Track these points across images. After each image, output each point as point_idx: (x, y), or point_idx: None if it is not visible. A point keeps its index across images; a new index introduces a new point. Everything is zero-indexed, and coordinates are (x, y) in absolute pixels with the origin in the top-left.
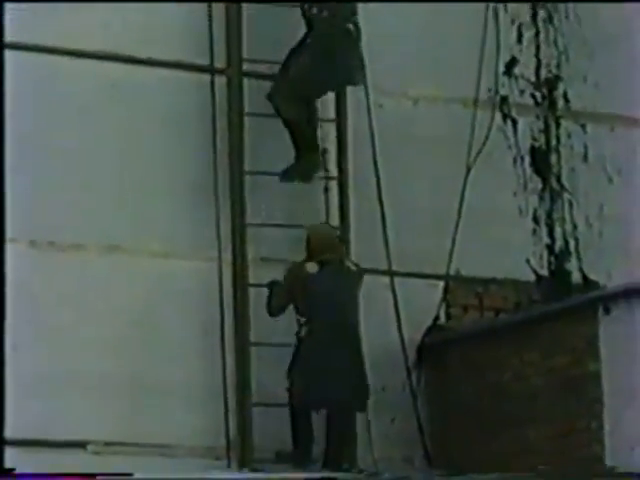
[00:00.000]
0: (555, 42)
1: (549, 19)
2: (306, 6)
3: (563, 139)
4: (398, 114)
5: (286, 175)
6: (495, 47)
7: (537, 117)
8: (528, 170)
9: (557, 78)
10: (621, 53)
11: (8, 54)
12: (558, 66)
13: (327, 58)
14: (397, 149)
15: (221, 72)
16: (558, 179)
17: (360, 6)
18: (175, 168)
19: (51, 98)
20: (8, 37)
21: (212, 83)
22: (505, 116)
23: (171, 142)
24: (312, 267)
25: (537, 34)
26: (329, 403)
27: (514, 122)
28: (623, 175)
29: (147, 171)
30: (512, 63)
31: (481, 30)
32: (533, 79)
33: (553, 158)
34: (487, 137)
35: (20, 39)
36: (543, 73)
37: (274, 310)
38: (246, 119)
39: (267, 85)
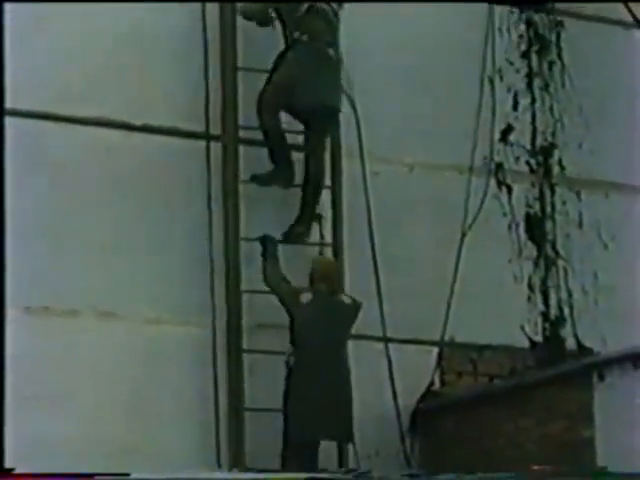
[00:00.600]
0: (551, 110)
1: (545, 87)
2: (288, 31)
3: (558, 206)
4: (394, 181)
5: (262, 179)
6: (491, 115)
7: (532, 184)
8: (523, 237)
9: (552, 145)
10: (616, 121)
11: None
12: (553, 134)
13: (309, 76)
14: (392, 216)
15: (217, 139)
16: (553, 246)
17: (357, 75)
18: (170, 234)
19: (47, 164)
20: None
21: (207, 150)
22: (500, 183)
23: (166, 208)
24: (305, 296)
25: (533, 102)
26: (320, 435)
27: (509, 189)
28: (618, 241)
29: (142, 237)
30: (508, 130)
31: (477, 98)
32: (528, 146)
33: (548, 225)
34: (482, 204)
35: (16, 105)
36: (539, 140)
37: (271, 283)
38: (241, 186)
39: (262, 152)
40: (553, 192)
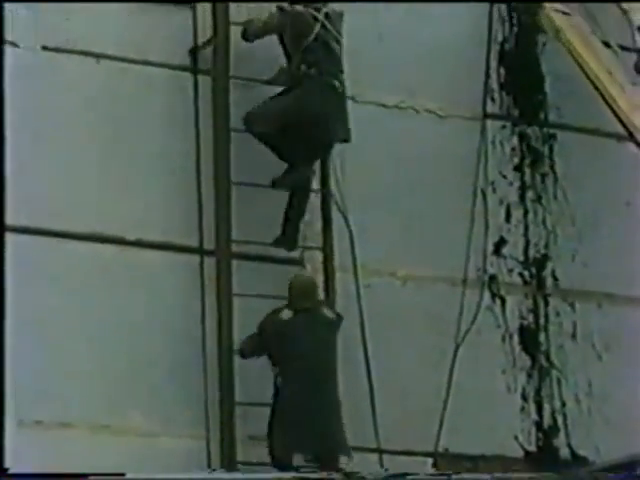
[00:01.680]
0: (544, 222)
1: (538, 199)
2: (294, 65)
3: (552, 317)
4: (386, 294)
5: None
6: (484, 227)
7: (526, 296)
8: (517, 348)
9: (545, 257)
10: (609, 232)
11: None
12: (546, 245)
13: (313, 106)
14: (385, 328)
15: (210, 253)
16: (547, 357)
17: (350, 188)
18: (164, 347)
19: (44, 278)
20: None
21: (201, 264)
22: (494, 295)
23: (160, 323)
24: (286, 314)
25: (526, 214)
26: (310, 454)
27: (503, 301)
28: (612, 352)
29: (136, 348)
30: (501, 243)
31: (469, 210)
32: (522, 258)
33: (542, 336)
34: (475, 316)
35: (15, 222)
36: (532, 252)
37: (246, 351)
38: (235, 299)
39: (256, 266)
40: (547, 303)
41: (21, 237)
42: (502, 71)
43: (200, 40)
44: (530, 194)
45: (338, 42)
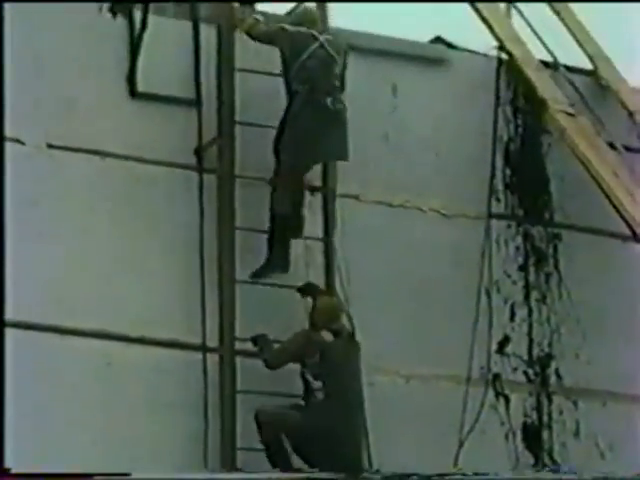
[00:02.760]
0: (548, 321)
1: (542, 299)
2: (287, 82)
3: (555, 415)
4: (390, 392)
5: (258, 274)
6: (488, 326)
7: (529, 394)
8: (520, 446)
9: (549, 356)
10: (613, 331)
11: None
12: (550, 344)
13: (310, 133)
14: (389, 426)
15: (213, 350)
16: (550, 455)
17: (354, 286)
18: (165, 442)
19: (47, 374)
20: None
21: (204, 362)
22: (497, 393)
23: (162, 419)
24: (328, 336)
25: (530, 313)
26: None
27: (506, 399)
28: (615, 451)
29: (139, 444)
30: (505, 341)
31: (474, 309)
32: (526, 357)
33: (545, 434)
34: (479, 414)
35: (17, 317)
36: (536, 351)
37: (275, 363)
38: (238, 397)
39: (259, 363)
40: (550, 401)
41: (23, 333)
42: (507, 171)
43: (205, 139)
44: (534, 293)
45: (337, 65)
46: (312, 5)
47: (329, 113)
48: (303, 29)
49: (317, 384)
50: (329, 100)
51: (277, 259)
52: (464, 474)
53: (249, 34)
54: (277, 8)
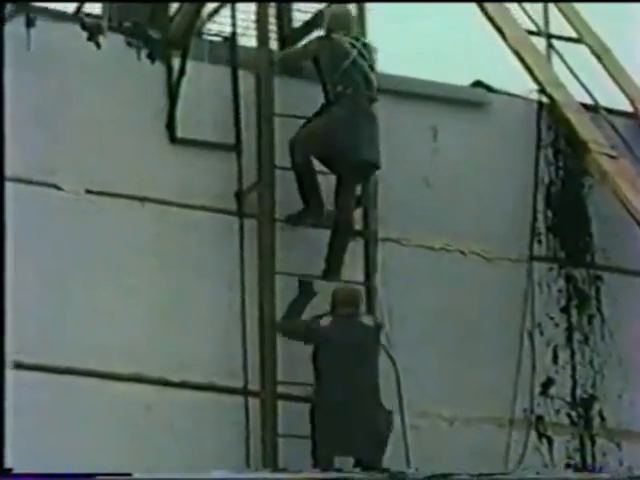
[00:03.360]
0: (591, 362)
1: (585, 340)
2: (330, 86)
3: (598, 457)
4: (433, 435)
5: (294, 219)
6: (531, 368)
7: (572, 436)
8: None
9: (593, 397)
10: None
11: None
12: (594, 386)
13: (350, 130)
14: (432, 469)
15: (255, 395)
16: None
17: (396, 330)
18: None
19: (85, 419)
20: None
21: (246, 406)
22: (540, 435)
23: (202, 467)
24: (325, 320)
25: (573, 355)
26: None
27: (550, 441)
28: None
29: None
30: (548, 384)
31: (517, 351)
32: (569, 399)
33: None
34: (522, 456)
35: (48, 361)
36: (579, 393)
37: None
38: (280, 440)
39: (301, 407)
40: (593, 443)
41: (62, 377)
42: (549, 213)
43: (245, 184)
44: (577, 335)
45: (373, 71)
46: (342, 8)
47: (371, 119)
48: (339, 36)
49: (315, 373)
50: (370, 106)
51: (313, 207)
52: (469, 474)
53: (288, 61)
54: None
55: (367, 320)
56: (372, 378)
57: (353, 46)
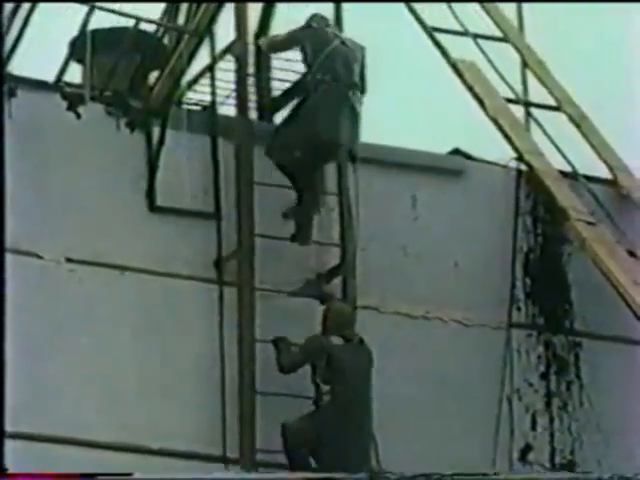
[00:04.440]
0: (569, 429)
1: (564, 406)
2: (310, 76)
3: None
4: None
5: (289, 214)
6: (509, 434)
7: None
8: None
9: (572, 463)
10: (635, 438)
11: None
12: (572, 452)
13: (330, 115)
14: None
15: (234, 462)
16: None
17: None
18: None
19: None
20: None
21: None
22: None
23: None
24: (338, 340)
25: (551, 421)
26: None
27: None
28: None
29: None
30: (526, 450)
31: (495, 417)
32: (548, 465)
33: None
34: None
35: (27, 429)
36: (558, 459)
37: (288, 368)
38: None
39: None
40: None
41: (41, 445)
42: (527, 281)
43: (225, 252)
44: (556, 401)
45: (357, 62)
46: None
47: (350, 105)
48: (322, 26)
49: (325, 388)
50: (350, 93)
51: (307, 201)
52: (465, 474)
53: (272, 48)
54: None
55: (364, 345)
56: (370, 400)
57: (336, 35)
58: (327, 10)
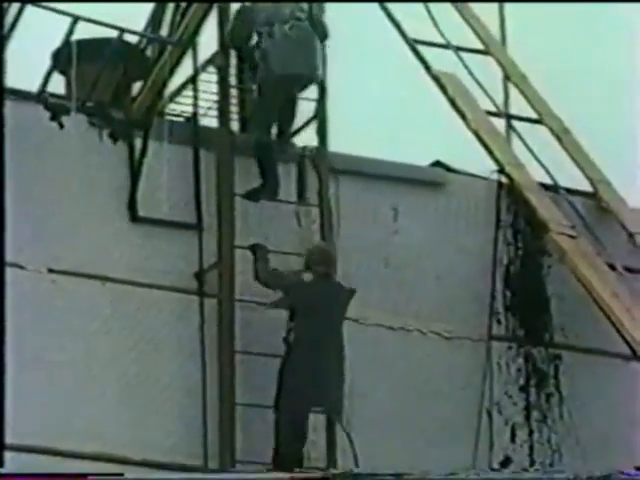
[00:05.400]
0: (549, 441)
1: (543, 419)
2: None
3: None
4: None
5: (252, 196)
6: (488, 447)
7: None
8: None
9: None
10: (615, 450)
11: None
12: (551, 464)
13: (280, 52)
14: None
15: (214, 471)
16: None
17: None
18: None
19: None
20: None
21: None
22: None
23: None
24: (307, 276)
25: (531, 434)
26: (312, 404)
27: None
28: None
29: None
30: (506, 462)
31: (474, 430)
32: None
33: None
34: None
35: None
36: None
37: (264, 279)
38: None
39: None
40: None
41: (24, 456)
42: (508, 293)
43: (205, 263)
44: (535, 414)
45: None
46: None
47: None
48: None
49: (290, 325)
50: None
51: (269, 184)
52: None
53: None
54: None
55: (342, 283)
56: (342, 337)
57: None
58: None
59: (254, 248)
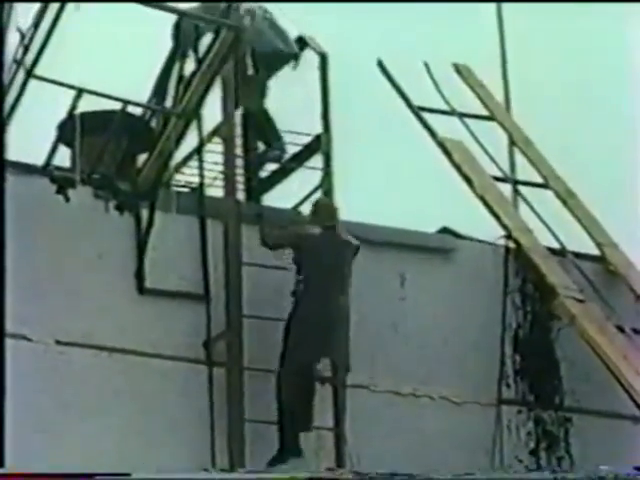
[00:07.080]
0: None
1: None
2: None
3: None
4: None
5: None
6: None
7: None
8: None
9: None
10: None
11: None
12: None
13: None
14: None
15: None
16: None
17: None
18: None
19: None
20: None
21: None
22: None
23: None
24: (315, 229)
25: None
26: (319, 353)
27: None
28: None
29: None
30: None
31: None
32: None
33: None
34: None
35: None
36: None
37: (269, 240)
38: None
39: None
40: None
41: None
42: (517, 357)
43: (213, 332)
44: None
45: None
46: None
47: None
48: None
49: (300, 277)
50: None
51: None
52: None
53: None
54: None
55: (348, 236)
56: (348, 292)
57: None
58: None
59: (260, 216)
